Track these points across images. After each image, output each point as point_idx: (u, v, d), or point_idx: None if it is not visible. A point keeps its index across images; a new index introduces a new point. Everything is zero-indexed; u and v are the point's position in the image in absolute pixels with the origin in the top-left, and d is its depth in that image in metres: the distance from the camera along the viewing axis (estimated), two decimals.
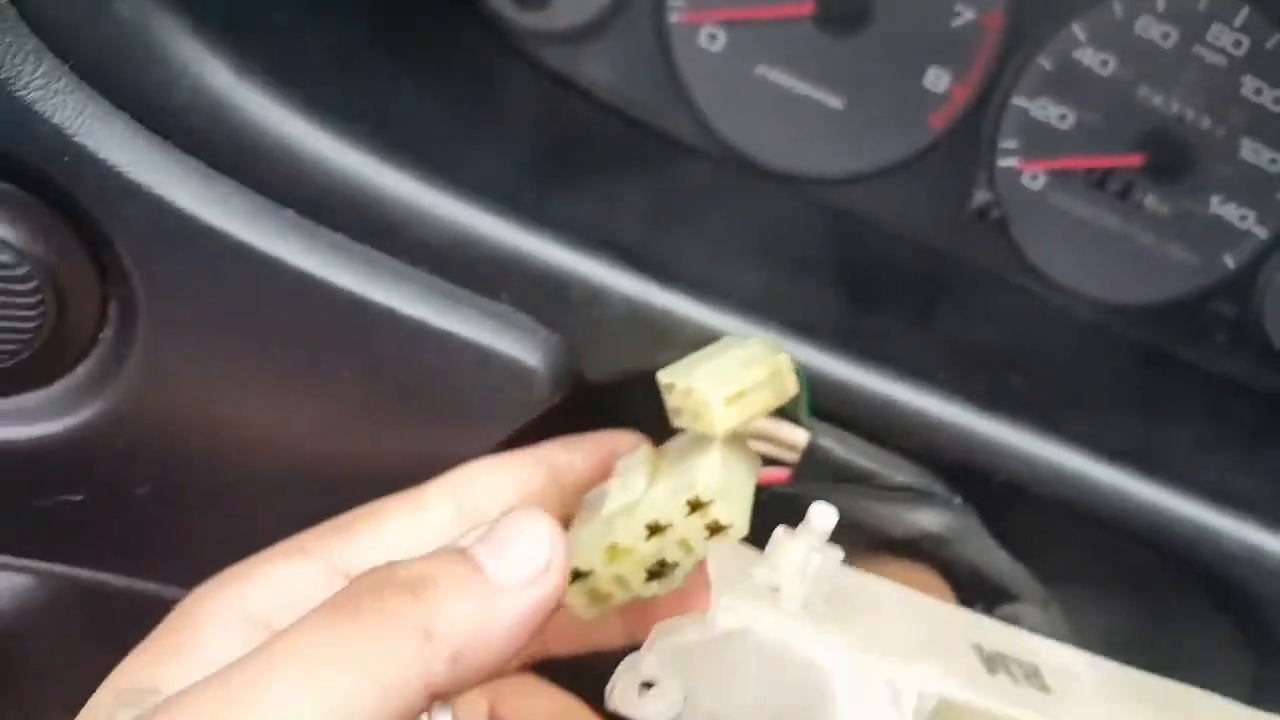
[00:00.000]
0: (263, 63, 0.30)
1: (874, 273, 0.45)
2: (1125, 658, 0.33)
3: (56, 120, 0.27)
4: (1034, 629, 0.33)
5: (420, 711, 0.24)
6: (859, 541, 0.33)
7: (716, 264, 0.37)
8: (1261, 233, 0.49)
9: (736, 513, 0.29)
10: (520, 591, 0.26)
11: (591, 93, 0.47)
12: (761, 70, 0.47)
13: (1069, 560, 0.37)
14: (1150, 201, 0.48)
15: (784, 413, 0.33)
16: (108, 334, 0.30)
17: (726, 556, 0.27)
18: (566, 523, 0.32)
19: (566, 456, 0.33)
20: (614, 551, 0.29)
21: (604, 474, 0.33)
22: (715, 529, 0.29)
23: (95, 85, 0.28)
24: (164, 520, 0.35)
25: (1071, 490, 0.36)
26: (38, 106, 0.27)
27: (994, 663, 0.26)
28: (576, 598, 0.30)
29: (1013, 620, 0.33)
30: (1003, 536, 0.36)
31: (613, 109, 0.47)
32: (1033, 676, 0.26)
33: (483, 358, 0.31)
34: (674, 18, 0.46)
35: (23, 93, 0.27)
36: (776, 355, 0.32)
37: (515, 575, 0.26)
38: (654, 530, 0.29)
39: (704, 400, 0.29)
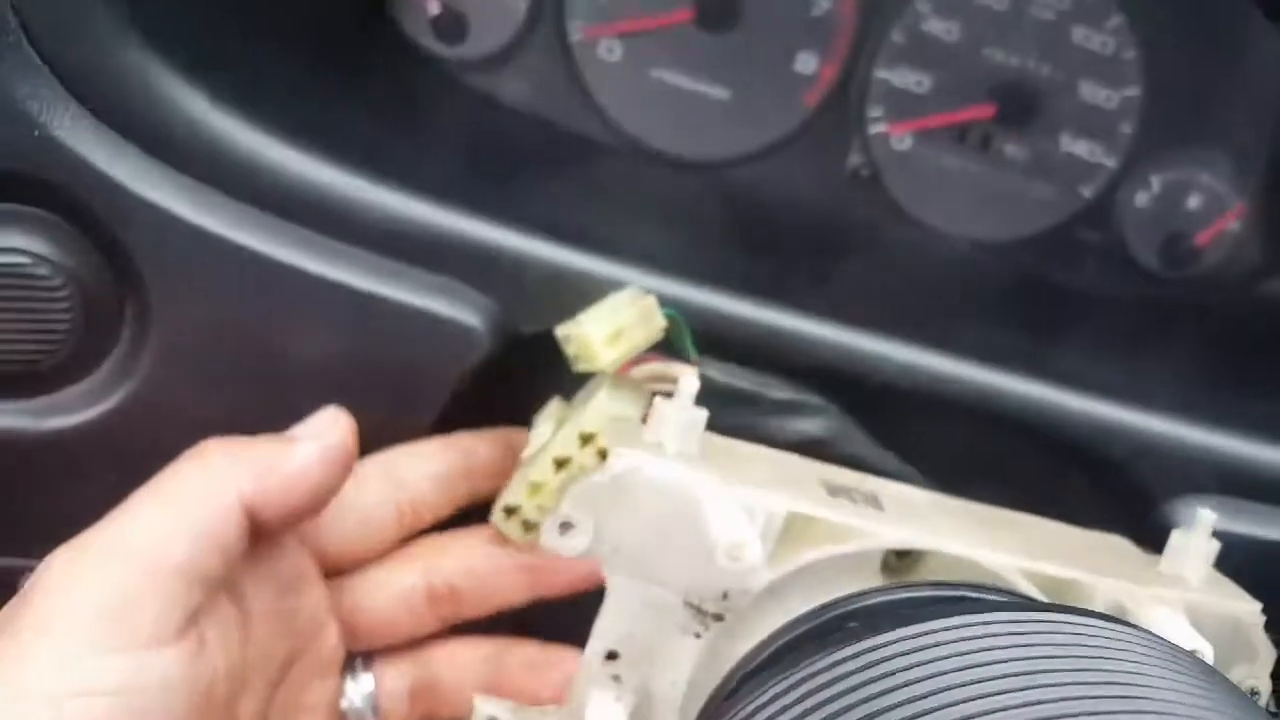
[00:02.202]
0: (232, 92, 0.37)
1: (767, 235, 0.52)
2: None
3: (80, 151, 0.34)
4: None
5: (243, 522, 0.31)
6: None
7: (627, 234, 0.44)
8: (1111, 162, 0.55)
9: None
10: (313, 438, 0.34)
11: (511, 108, 0.53)
12: (656, 72, 0.53)
13: (954, 455, 0.42)
14: (1008, 148, 0.55)
15: (675, 352, 0.38)
16: (126, 332, 0.36)
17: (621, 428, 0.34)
18: (473, 497, 0.38)
19: (473, 442, 0.39)
20: (533, 487, 0.36)
21: (504, 456, 0.39)
22: (604, 455, 0.34)
23: (107, 120, 0.35)
24: None
25: (962, 394, 0.40)
26: (66, 141, 0.34)
27: (837, 491, 0.32)
28: (513, 529, 0.36)
29: None
30: (890, 438, 0.42)
31: (530, 119, 0.53)
32: (871, 501, 0.32)
33: (431, 321, 0.37)
34: (575, 36, 0.53)
35: (55, 132, 0.34)
36: (644, 298, 0.37)
37: (307, 430, 0.34)
38: (560, 464, 0.35)
39: (588, 342, 0.35)
